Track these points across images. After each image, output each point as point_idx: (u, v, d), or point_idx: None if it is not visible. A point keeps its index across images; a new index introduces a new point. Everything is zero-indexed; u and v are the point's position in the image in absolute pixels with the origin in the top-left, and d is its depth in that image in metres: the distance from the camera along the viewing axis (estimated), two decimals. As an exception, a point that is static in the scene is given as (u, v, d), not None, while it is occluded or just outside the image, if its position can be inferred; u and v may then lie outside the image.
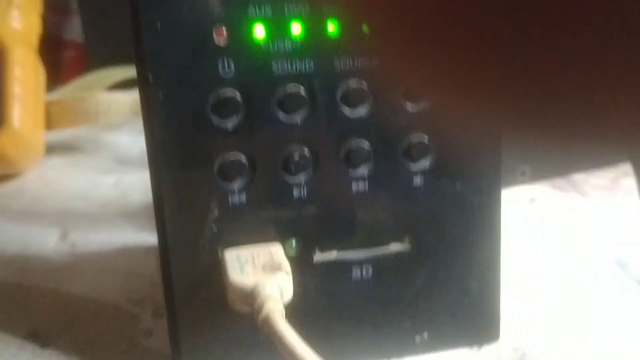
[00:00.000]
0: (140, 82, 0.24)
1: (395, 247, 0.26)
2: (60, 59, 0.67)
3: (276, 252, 0.25)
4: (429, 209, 0.26)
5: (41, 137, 0.44)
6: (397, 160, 0.26)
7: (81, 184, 0.43)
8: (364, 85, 0.25)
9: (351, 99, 0.25)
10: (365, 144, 0.25)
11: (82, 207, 0.40)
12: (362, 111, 0.25)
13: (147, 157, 0.24)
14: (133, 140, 0.48)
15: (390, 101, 0.25)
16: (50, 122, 0.44)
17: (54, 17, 0.67)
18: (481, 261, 0.27)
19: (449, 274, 0.27)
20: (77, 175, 0.45)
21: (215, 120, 0.24)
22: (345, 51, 0.24)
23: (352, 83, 0.25)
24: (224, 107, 0.24)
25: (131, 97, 0.45)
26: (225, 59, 0.24)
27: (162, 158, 0.24)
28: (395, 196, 0.26)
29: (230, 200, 0.25)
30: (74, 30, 0.70)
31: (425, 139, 0.26)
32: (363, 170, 0.26)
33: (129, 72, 0.49)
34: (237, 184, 0.25)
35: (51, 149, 0.47)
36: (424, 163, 0.26)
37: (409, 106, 0.25)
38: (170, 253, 0.25)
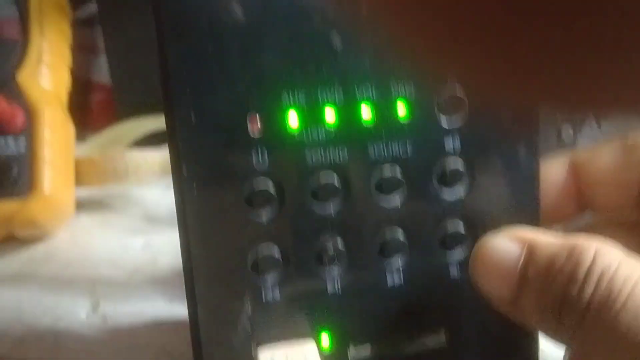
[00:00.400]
0: (174, 174, 0.23)
1: (431, 341, 0.25)
2: (89, 102, 0.67)
3: (311, 354, 0.24)
4: (466, 301, 0.25)
5: (71, 198, 0.43)
6: (432, 250, 0.25)
7: (110, 247, 0.43)
8: (398, 172, 0.24)
9: (385, 188, 0.24)
10: (400, 234, 0.24)
11: (112, 274, 0.39)
12: (396, 200, 0.24)
13: (181, 253, 0.24)
14: (162, 195, 0.48)
15: (425, 188, 0.24)
16: (79, 180, 0.44)
17: (82, 58, 0.67)
18: (519, 355, 0.26)
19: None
20: (106, 236, 0.44)
21: (249, 212, 0.23)
22: (379, 138, 0.23)
23: (386, 171, 0.24)
24: (258, 200, 0.23)
25: (161, 156, 0.45)
26: (259, 149, 0.23)
27: (197, 253, 0.23)
28: (431, 288, 0.25)
29: (264, 296, 0.24)
30: (103, 72, 0.70)
31: (461, 227, 0.25)
32: (397, 261, 0.25)
33: (159, 122, 0.48)
34: (270, 279, 0.24)
35: (80, 206, 0.47)
36: (460, 253, 0.25)
37: (444, 193, 0.24)
38: (204, 355, 0.24)
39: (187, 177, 0.22)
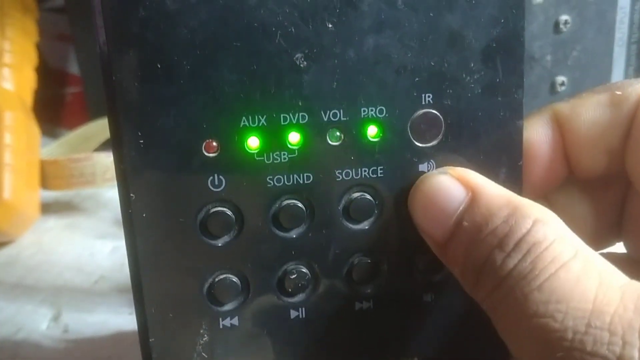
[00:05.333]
0: (122, 199, 0.21)
1: (403, 367, 0.24)
2: (63, 95, 0.65)
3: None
4: (440, 325, 0.24)
5: (35, 202, 0.42)
6: (405, 276, 0.24)
7: (77, 251, 0.41)
8: (368, 195, 0.23)
9: (353, 212, 0.23)
10: (370, 261, 0.23)
11: (76, 280, 0.38)
12: (365, 225, 0.23)
13: (130, 279, 0.22)
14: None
15: (398, 212, 0.23)
16: (45, 183, 0.42)
17: (56, 48, 0.65)
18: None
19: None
20: (73, 240, 0.43)
21: (205, 238, 0.22)
22: (348, 160, 0.22)
23: (356, 194, 0.22)
24: (214, 225, 0.22)
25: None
26: (215, 174, 0.21)
27: (148, 280, 0.22)
28: (402, 314, 0.24)
29: (220, 323, 0.23)
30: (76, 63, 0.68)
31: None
32: (367, 288, 0.23)
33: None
34: (228, 307, 0.23)
35: (48, 208, 0.45)
36: (434, 278, 0.24)
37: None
38: (157, 382, 0.23)
39: (135, 204, 0.21)
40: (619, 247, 0.28)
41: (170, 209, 0.21)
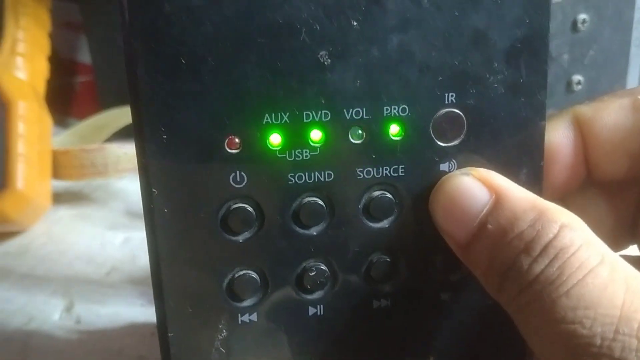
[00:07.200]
0: (143, 191, 0.21)
1: (418, 365, 0.24)
2: (73, 84, 0.65)
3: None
4: (457, 325, 0.24)
5: (46, 192, 0.42)
6: (423, 275, 0.24)
7: (88, 242, 0.41)
8: (389, 194, 0.23)
9: (374, 211, 0.23)
10: (389, 259, 0.23)
11: (88, 272, 0.38)
12: (385, 223, 0.23)
13: (151, 274, 0.22)
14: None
15: (418, 211, 0.23)
16: (57, 172, 0.42)
17: (66, 36, 0.65)
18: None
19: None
20: (84, 230, 0.43)
21: (225, 234, 0.22)
22: (369, 158, 0.22)
23: (376, 194, 0.22)
24: (235, 221, 0.22)
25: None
26: (237, 170, 0.21)
27: (168, 275, 0.22)
28: (420, 312, 0.24)
29: (239, 319, 0.23)
30: (86, 52, 0.67)
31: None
32: (385, 286, 0.23)
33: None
34: (247, 303, 0.23)
35: (59, 198, 0.45)
36: (452, 277, 0.24)
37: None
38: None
39: (157, 199, 0.21)
40: (633, 250, 0.28)
41: (192, 205, 0.21)
